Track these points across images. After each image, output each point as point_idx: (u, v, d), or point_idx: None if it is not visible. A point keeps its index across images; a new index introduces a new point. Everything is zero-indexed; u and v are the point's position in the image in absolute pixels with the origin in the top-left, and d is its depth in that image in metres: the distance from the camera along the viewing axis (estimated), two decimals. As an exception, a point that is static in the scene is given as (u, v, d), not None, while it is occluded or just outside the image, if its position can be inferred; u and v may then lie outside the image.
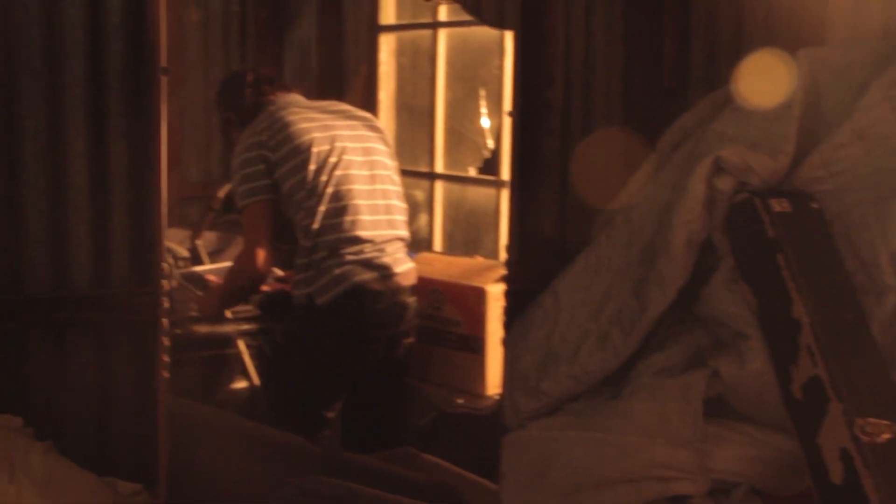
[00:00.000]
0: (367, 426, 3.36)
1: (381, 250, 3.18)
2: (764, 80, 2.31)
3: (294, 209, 3.15)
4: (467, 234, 4.16)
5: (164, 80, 2.32)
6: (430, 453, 3.05)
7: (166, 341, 2.42)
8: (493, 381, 3.34)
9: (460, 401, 3.39)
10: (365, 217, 3.15)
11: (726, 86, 2.40)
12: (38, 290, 2.38)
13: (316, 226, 3.10)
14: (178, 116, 4.25)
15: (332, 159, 3.13)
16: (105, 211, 2.47)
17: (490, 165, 4.00)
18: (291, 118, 3.17)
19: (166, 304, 2.43)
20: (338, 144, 3.16)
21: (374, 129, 3.35)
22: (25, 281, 2.38)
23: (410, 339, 3.31)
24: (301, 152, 3.11)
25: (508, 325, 2.66)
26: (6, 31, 2.29)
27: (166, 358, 2.42)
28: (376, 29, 4.30)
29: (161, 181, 2.39)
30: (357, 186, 3.17)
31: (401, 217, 3.30)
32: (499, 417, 2.65)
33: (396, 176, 3.35)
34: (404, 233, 3.31)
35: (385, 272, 3.16)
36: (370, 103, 4.25)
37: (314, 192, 3.10)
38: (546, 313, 2.54)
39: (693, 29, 2.69)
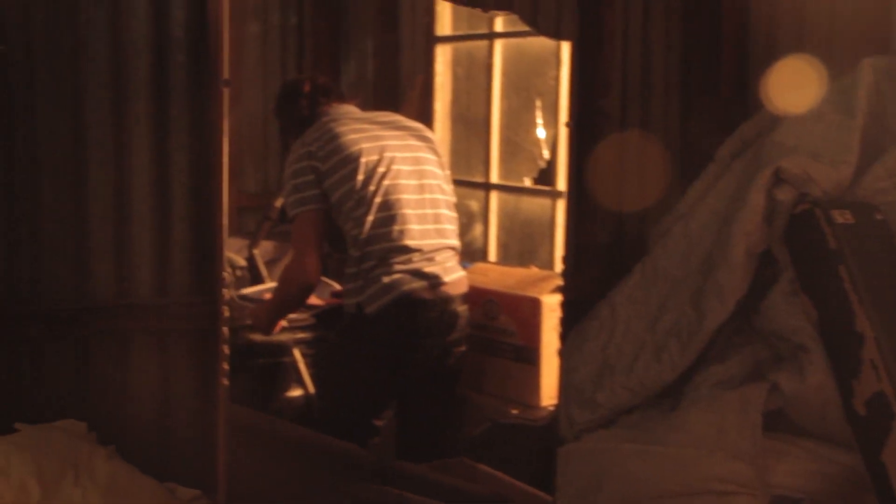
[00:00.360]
0: (419, 435, 3.36)
1: (431, 259, 3.18)
2: (822, 89, 2.29)
3: (343, 219, 3.17)
4: (522, 244, 4.15)
5: (225, 92, 2.36)
6: (483, 464, 3.05)
7: (226, 349, 2.45)
8: (548, 392, 3.33)
9: (514, 411, 3.38)
10: (413, 226, 3.16)
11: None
12: (101, 299, 2.42)
13: (364, 235, 3.11)
14: (236, 127, 4.31)
15: (381, 169, 3.15)
16: (166, 221, 2.51)
17: (545, 176, 3.99)
18: (341, 129, 3.19)
19: (226, 313, 2.46)
20: (387, 154, 3.18)
21: (425, 139, 3.36)
22: (90, 289, 2.42)
23: (461, 348, 3.30)
24: (350, 162, 3.13)
25: (564, 336, 2.66)
26: (74, 46, 2.34)
27: (226, 366, 2.45)
28: (433, 40, 4.32)
29: (222, 192, 2.42)
30: (406, 196, 3.18)
31: (450, 226, 3.30)
32: (553, 429, 2.64)
33: (447, 185, 3.35)
34: (454, 241, 3.31)
35: (434, 281, 3.16)
36: (426, 114, 4.27)
37: (363, 202, 3.11)
38: (602, 324, 2.53)
39: (752, 37, 2.66)
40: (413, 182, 3.22)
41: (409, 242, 3.14)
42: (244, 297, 3.71)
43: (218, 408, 2.42)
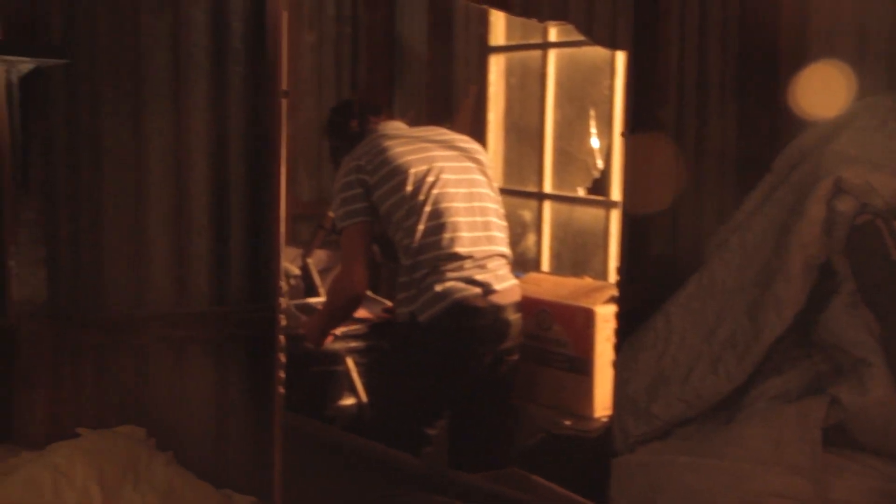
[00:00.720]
0: (472, 445, 3.36)
1: (482, 266, 3.19)
2: (882, 99, 2.25)
3: (394, 229, 3.20)
4: (575, 254, 4.14)
5: (283, 102, 2.38)
6: (536, 475, 3.04)
7: (282, 357, 2.47)
8: (601, 402, 3.30)
9: (567, 422, 3.36)
10: (464, 234, 3.18)
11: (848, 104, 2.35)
12: (160, 307, 2.46)
13: (415, 244, 3.13)
14: (291, 136, 4.35)
15: (430, 179, 3.18)
16: (224, 230, 2.55)
17: (599, 185, 3.97)
18: (388, 143, 3.23)
19: (283, 322, 2.48)
20: (435, 165, 3.21)
21: (472, 149, 3.38)
22: (149, 297, 2.46)
23: (514, 357, 3.30)
24: (398, 174, 3.16)
25: (618, 346, 2.64)
26: (135, 58, 2.39)
27: (282, 374, 2.47)
28: (486, 50, 4.33)
29: (279, 201, 2.45)
30: (455, 204, 3.20)
31: (500, 234, 3.30)
32: (607, 440, 2.62)
33: (495, 193, 3.37)
34: (505, 249, 3.31)
35: (486, 289, 3.17)
36: (479, 124, 4.27)
37: (412, 212, 3.14)
38: (657, 335, 2.51)
39: (811, 46, 2.63)
40: (462, 190, 3.24)
41: (460, 250, 3.15)
42: (300, 307, 3.75)
43: (274, 415, 2.44)
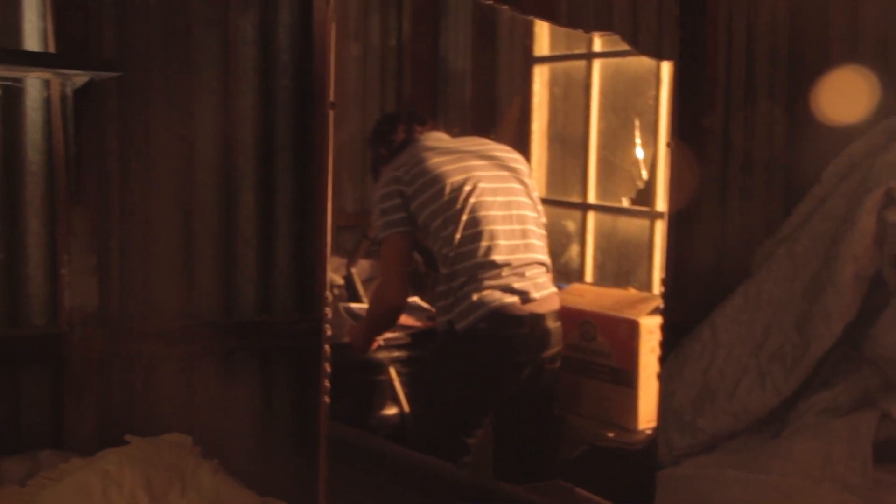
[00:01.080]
0: (514, 455, 3.34)
1: (520, 274, 3.18)
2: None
3: (432, 239, 3.21)
4: (619, 265, 4.11)
5: (331, 113, 2.40)
6: (580, 487, 3.02)
7: (328, 367, 2.49)
8: (645, 415, 3.28)
9: (611, 434, 3.33)
10: (501, 242, 3.17)
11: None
12: (207, 316, 2.49)
13: (453, 253, 3.14)
14: (336, 147, 4.38)
15: (467, 188, 3.18)
16: (270, 240, 2.57)
17: (643, 196, 3.94)
18: (427, 153, 3.25)
19: (328, 332, 2.49)
20: (473, 174, 3.21)
21: (511, 158, 3.38)
22: (196, 307, 2.49)
23: (555, 365, 3.28)
24: (436, 183, 3.17)
25: (663, 358, 2.62)
26: (186, 70, 2.42)
27: (327, 383, 2.48)
28: (531, 60, 4.33)
29: (326, 211, 2.47)
30: (492, 213, 3.20)
31: (539, 242, 3.29)
32: (651, 453, 2.61)
33: (535, 202, 3.36)
34: (544, 257, 3.30)
35: (524, 297, 3.16)
36: (523, 134, 4.27)
37: (449, 221, 3.15)
38: (703, 347, 2.49)
39: (861, 54, 2.60)
40: (500, 199, 3.24)
41: (497, 258, 3.15)
42: (349, 311, 3.76)
43: (318, 424, 2.46)
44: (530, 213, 3.30)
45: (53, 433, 2.32)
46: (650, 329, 3.17)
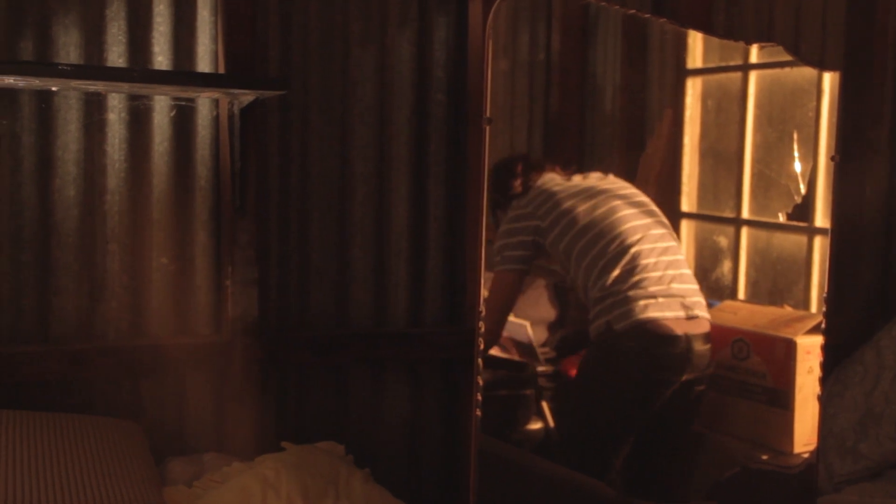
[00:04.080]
0: (653, 473, 3.28)
1: (672, 296, 3.13)
2: None
3: (574, 270, 3.21)
4: (774, 282, 3.97)
5: (486, 129, 2.41)
6: (732, 509, 2.93)
7: (480, 380, 2.49)
8: (802, 438, 3.15)
9: (765, 457, 3.22)
10: (651, 273, 3.14)
11: None
12: (360, 327, 2.54)
13: (601, 281, 3.12)
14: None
15: (606, 216, 3.17)
16: (422, 252, 2.60)
17: (801, 211, 3.80)
18: (556, 188, 3.27)
19: (481, 345, 2.50)
20: (604, 199, 3.20)
21: (637, 194, 3.37)
22: (350, 317, 2.54)
23: (702, 388, 3.20)
24: (567, 214, 3.18)
25: (824, 380, 2.52)
26: (344, 87, 2.49)
27: (479, 396, 2.49)
28: (683, 73, 4.24)
29: (480, 226, 2.47)
30: (643, 246, 3.17)
31: (687, 270, 3.24)
32: (809, 478, 2.51)
33: (673, 234, 3.33)
34: (694, 285, 3.24)
35: (678, 315, 3.10)
36: (674, 147, 4.19)
37: (589, 248, 3.14)
38: (866, 369, 2.38)
39: None
40: (640, 222, 3.21)
41: (652, 275, 3.11)
42: None
43: (468, 436, 2.47)
44: (673, 243, 3.26)
45: (216, 436, 2.40)
46: (807, 349, 3.05)
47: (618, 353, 3.08)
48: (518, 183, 3.46)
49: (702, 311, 3.20)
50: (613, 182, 3.45)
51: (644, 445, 3.26)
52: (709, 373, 3.21)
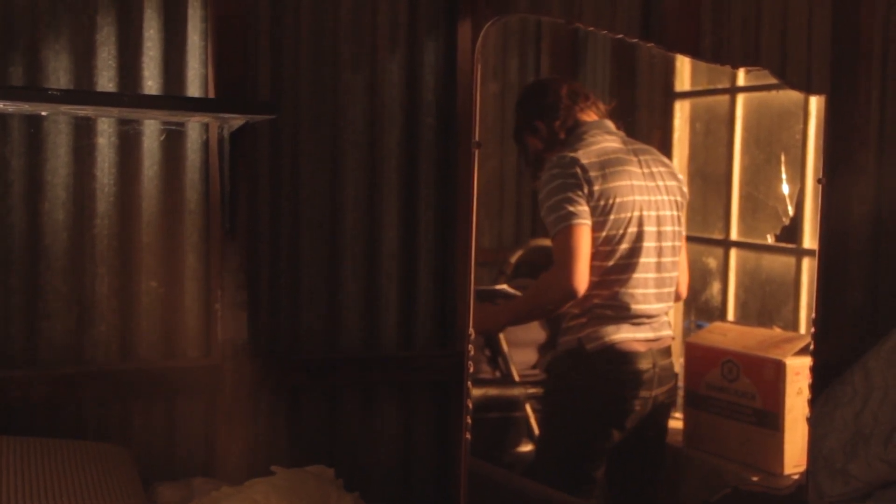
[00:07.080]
0: (636, 491, 3.27)
1: (650, 316, 3.13)
2: None
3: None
4: (763, 303, 3.99)
5: (475, 152, 2.40)
6: (723, 531, 2.93)
7: (469, 403, 2.49)
8: (792, 459, 3.15)
9: (755, 478, 3.22)
10: (639, 290, 3.12)
11: None
12: (351, 350, 2.54)
13: (597, 278, 3.08)
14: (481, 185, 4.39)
15: (636, 214, 3.11)
16: (412, 275, 2.61)
17: (789, 233, 3.82)
18: (618, 156, 3.07)
19: (471, 368, 2.49)
20: (637, 202, 3.13)
21: (671, 181, 3.26)
22: (341, 341, 2.54)
23: (670, 400, 3.20)
24: (615, 203, 3.09)
25: (813, 401, 2.53)
26: (334, 110, 2.50)
27: (469, 420, 2.49)
28: (672, 96, 4.27)
29: (470, 249, 2.47)
30: (647, 259, 3.14)
31: (670, 288, 3.20)
32: (799, 499, 2.51)
33: (681, 228, 3.25)
34: (671, 304, 3.22)
35: (648, 335, 3.10)
36: (662, 170, 4.21)
37: (608, 242, 3.09)
38: (855, 390, 2.39)
39: None
40: (652, 244, 3.18)
41: (634, 304, 3.10)
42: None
43: (458, 459, 2.46)
44: (671, 259, 3.22)
45: (206, 460, 2.39)
46: (796, 370, 3.05)
47: (587, 373, 3.07)
48: (564, 106, 3.22)
49: (667, 331, 3.20)
50: (665, 167, 3.35)
51: (620, 462, 3.25)
52: (673, 385, 3.21)
